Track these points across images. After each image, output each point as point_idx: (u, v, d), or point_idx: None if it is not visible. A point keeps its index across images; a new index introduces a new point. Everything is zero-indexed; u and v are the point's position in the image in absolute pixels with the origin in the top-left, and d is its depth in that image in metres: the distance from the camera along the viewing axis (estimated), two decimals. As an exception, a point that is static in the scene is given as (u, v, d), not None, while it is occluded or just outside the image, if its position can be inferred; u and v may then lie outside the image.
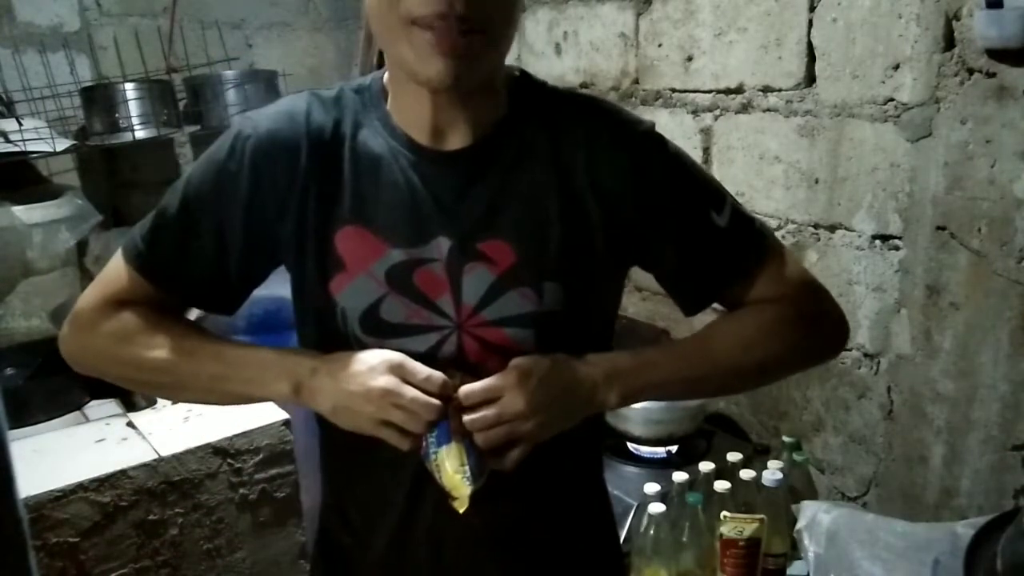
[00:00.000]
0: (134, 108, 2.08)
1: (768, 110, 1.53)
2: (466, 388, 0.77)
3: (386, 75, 0.85)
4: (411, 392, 0.76)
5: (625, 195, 0.82)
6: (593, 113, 0.85)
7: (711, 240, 0.85)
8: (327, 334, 0.85)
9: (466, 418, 0.77)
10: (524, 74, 0.87)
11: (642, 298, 1.88)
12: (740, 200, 0.88)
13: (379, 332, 0.82)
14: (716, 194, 0.86)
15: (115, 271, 0.87)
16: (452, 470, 0.77)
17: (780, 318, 0.85)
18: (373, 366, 0.78)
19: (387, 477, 0.84)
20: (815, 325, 0.88)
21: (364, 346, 0.82)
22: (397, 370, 0.77)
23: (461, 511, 0.77)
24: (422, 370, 0.77)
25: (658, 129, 0.86)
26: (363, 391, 0.77)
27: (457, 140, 0.82)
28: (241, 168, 0.81)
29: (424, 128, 0.81)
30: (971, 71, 1.22)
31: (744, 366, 0.87)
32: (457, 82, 0.74)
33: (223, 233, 0.83)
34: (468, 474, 0.77)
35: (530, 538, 0.90)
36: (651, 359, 0.85)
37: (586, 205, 0.82)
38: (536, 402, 0.77)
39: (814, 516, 1.26)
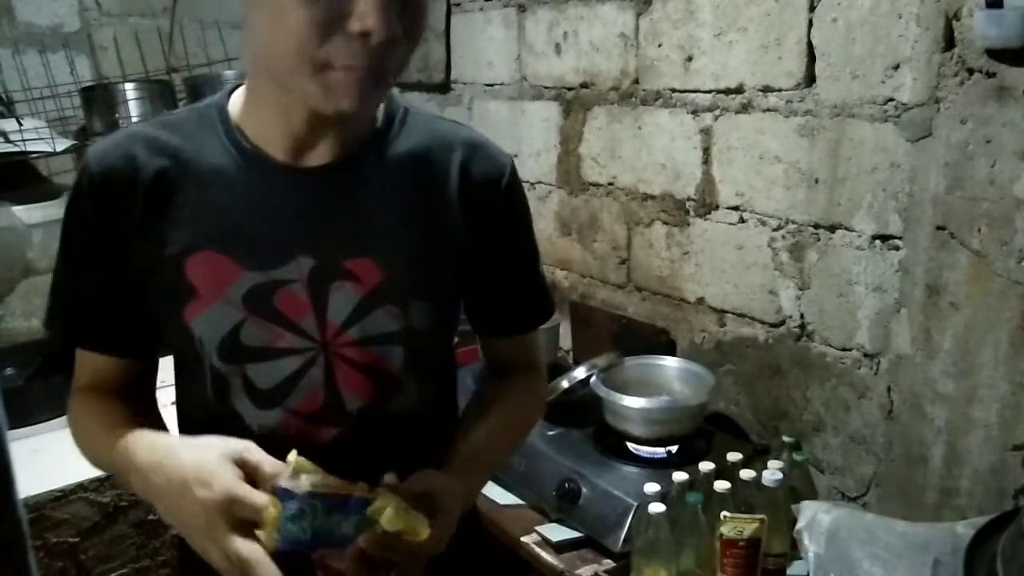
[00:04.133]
0: (134, 108, 2.08)
1: (768, 110, 1.53)
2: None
3: (235, 92, 0.85)
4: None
5: (488, 219, 0.89)
6: (466, 137, 0.90)
7: (527, 282, 0.98)
8: (187, 364, 0.85)
9: None
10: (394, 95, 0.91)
11: (642, 298, 1.88)
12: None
13: (238, 358, 0.81)
14: (536, 249, 0.98)
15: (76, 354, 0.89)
16: None
17: (532, 414, 1.02)
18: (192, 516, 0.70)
19: None
20: (542, 407, 1.06)
21: (222, 375, 0.81)
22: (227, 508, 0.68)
23: None
24: (253, 499, 0.69)
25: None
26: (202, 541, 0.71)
27: (320, 156, 0.81)
28: (87, 207, 0.81)
29: (285, 144, 0.80)
30: (971, 71, 1.22)
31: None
32: (362, 113, 0.79)
33: (102, 274, 0.83)
34: None
35: None
36: (477, 478, 0.92)
37: (455, 225, 0.87)
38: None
39: (814, 516, 1.26)
